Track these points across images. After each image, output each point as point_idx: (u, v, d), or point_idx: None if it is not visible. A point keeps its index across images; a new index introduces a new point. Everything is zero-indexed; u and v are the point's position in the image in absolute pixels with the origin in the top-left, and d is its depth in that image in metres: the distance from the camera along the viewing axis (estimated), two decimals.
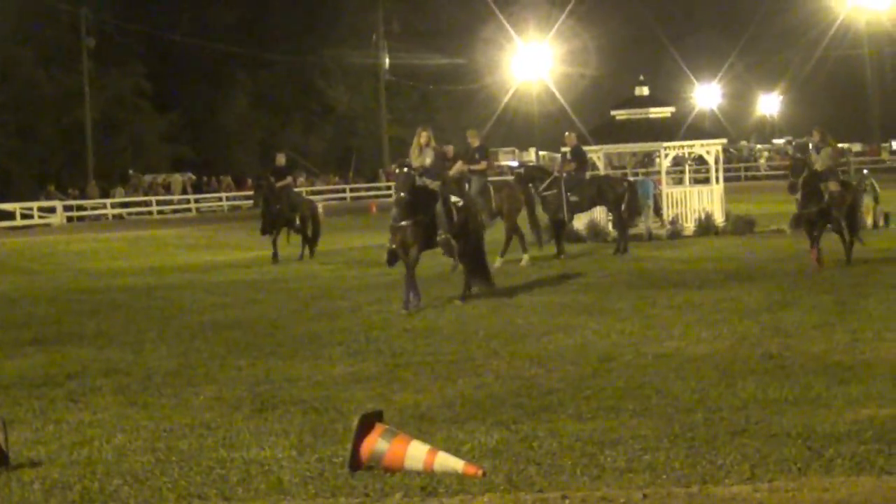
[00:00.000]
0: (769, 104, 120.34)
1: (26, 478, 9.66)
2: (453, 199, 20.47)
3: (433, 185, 20.00)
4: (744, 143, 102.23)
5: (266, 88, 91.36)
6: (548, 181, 29.05)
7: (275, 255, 30.69)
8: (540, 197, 29.05)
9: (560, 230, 28.73)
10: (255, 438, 10.73)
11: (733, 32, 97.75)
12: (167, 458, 10.20)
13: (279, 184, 31.54)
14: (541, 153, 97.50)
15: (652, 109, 35.78)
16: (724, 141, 39.61)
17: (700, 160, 38.33)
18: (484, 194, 26.59)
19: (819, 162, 23.58)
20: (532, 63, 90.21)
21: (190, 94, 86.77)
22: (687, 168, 38.76)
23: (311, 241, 31.96)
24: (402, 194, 19.58)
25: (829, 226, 23.57)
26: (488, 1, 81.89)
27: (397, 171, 20.15)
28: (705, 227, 33.47)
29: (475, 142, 27.21)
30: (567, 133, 30.71)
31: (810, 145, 25.01)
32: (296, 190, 34.90)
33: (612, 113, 36.50)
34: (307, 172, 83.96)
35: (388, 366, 14.32)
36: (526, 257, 26.34)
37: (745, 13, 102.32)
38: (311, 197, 73.46)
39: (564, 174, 29.20)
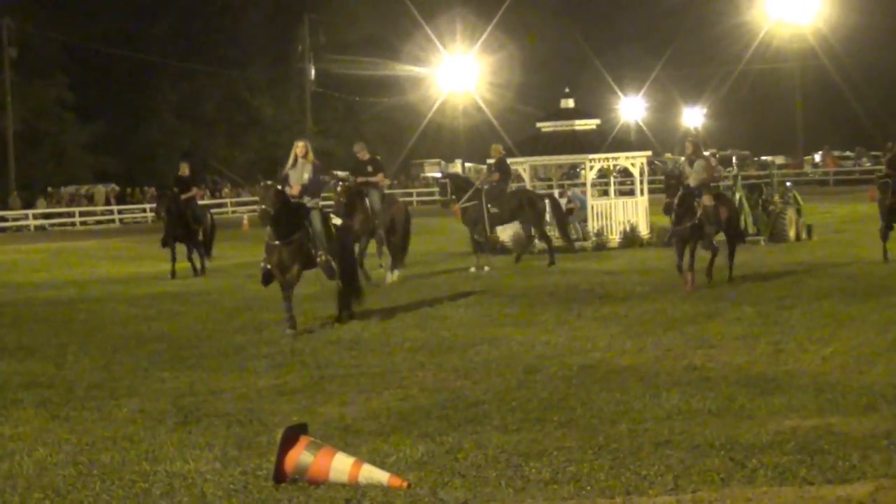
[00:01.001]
0: (693, 117, 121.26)
1: None
2: (333, 218, 19.77)
3: (311, 202, 19.06)
4: (668, 155, 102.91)
5: (190, 99, 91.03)
6: (469, 192, 28.96)
7: (173, 271, 29.58)
8: (461, 208, 29.01)
9: (481, 242, 28.69)
10: (179, 451, 10.66)
11: (657, 46, 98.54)
12: (89, 471, 10.12)
13: (184, 195, 30.23)
14: (467, 164, 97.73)
15: (577, 122, 35.92)
16: (649, 153, 39.85)
17: (625, 172, 38.56)
18: (384, 206, 26.17)
19: (693, 176, 22.55)
20: (458, 75, 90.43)
21: (113, 105, 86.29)
22: (612, 180, 38.96)
23: (206, 252, 30.63)
24: (263, 206, 18.36)
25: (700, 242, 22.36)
26: (415, 13, 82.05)
27: (261, 184, 19.08)
28: (630, 239, 33.65)
29: (364, 155, 26.50)
30: (494, 145, 30.62)
31: (683, 159, 24.00)
32: (201, 203, 33.18)
33: (538, 125, 36.65)
34: (232, 183, 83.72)
35: (313, 378, 14.28)
36: (397, 274, 25.93)
37: (668, 27, 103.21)
38: (238, 208, 73.93)
39: (485, 186, 29.11)
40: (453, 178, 32.35)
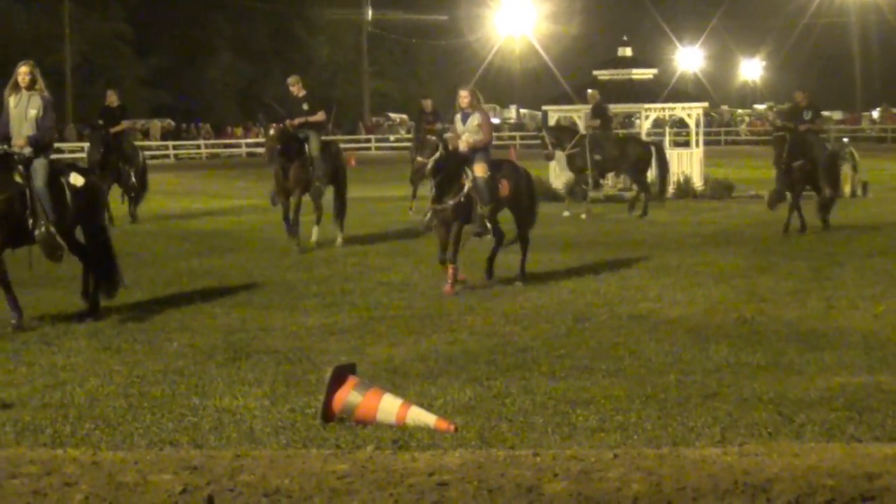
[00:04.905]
0: (751, 69, 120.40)
1: None
2: (73, 176, 14.57)
3: (28, 151, 14.13)
4: (725, 107, 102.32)
5: (247, 37, 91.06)
6: (574, 140, 28.93)
7: (109, 216, 24.95)
8: (566, 155, 28.96)
9: (583, 188, 28.65)
10: (228, 387, 10.75)
11: None
12: (139, 403, 10.22)
13: (113, 129, 26.71)
14: (522, 110, 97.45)
15: (634, 71, 35.75)
16: (706, 104, 39.60)
17: (681, 123, 38.33)
18: (325, 154, 22.03)
19: (464, 136, 16.82)
20: (516, 19, 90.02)
21: (171, 40, 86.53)
22: (667, 131, 38.76)
23: (136, 199, 27.67)
24: None
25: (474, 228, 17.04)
26: None
27: None
28: (684, 190, 33.48)
29: (300, 90, 22.26)
30: (589, 91, 30.37)
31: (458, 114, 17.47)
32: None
33: (595, 73, 36.42)
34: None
35: (363, 318, 14.34)
36: (315, 232, 22.23)
37: None
38: None
39: (589, 132, 29.01)
40: (550, 129, 31.25)
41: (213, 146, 75.05)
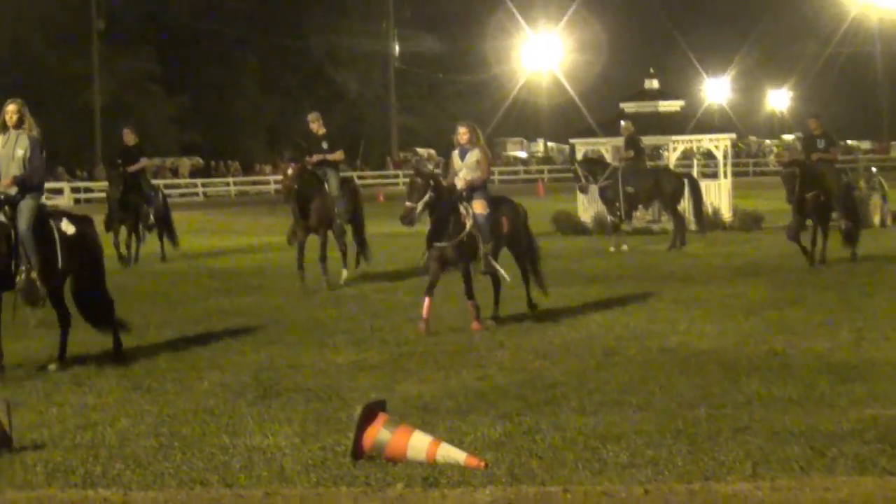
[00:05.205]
0: (778, 99, 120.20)
1: (29, 460, 9.69)
2: (64, 223, 13.98)
3: (13, 192, 13.59)
4: (753, 138, 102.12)
5: (275, 74, 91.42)
6: (607, 172, 28.97)
7: (120, 255, 25.93)
8: (598, 188, 29.01)
9: (616, 223, 28.63)
10: (258, 425, 10.76)
11: (743, 26, 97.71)
12: (170, 443, 10.24)
13: (130, 168, 26.79)
14: (549, 144, 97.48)
15: (661, 103, 35.77)
16: (733, 136, 39.57)
17: (708, 155, 38.31)
18: (343, 191, 21.99)
19: (463, 172, 16.53)
20: (542, 53, 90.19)
21: (199, 79, 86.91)
22: (695, 162, 38.73)
23: (163, 236, 27.79)
24: None
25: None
26: None
27: None
28: (712, 222, 33.41)
29: (320, 128, 22.51)
30: (623, 122, 30.33)
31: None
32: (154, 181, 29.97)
33: (621, 105, 36.44)
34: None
35: (392, 355, 14.34)
36: (345, 273, 22.06)
37: (755, 7, 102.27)
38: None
39: (621, 164, 29.03)
40: (582, 163, 31.26)
41: (241, 183, 75.27)
